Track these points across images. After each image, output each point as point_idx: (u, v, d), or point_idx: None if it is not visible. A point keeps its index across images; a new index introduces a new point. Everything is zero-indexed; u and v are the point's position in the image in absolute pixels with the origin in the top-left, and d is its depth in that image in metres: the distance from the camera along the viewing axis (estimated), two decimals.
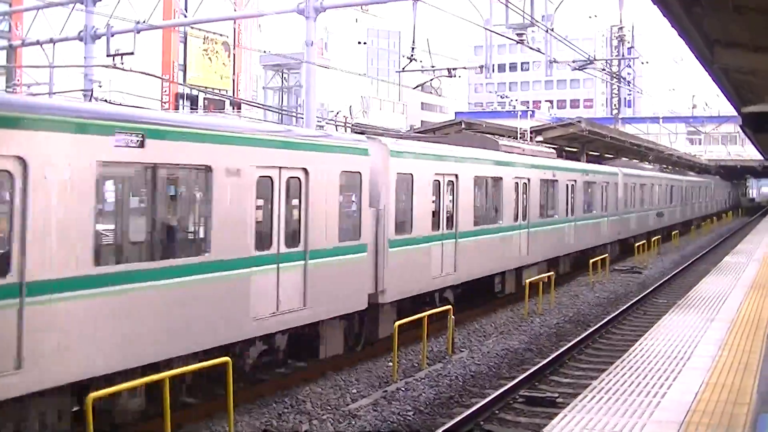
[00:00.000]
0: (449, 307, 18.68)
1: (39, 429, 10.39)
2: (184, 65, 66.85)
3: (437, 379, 15.86)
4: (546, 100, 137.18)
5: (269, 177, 14.06)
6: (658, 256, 41.18)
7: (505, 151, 25.43)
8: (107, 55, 28.33)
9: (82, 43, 30.68)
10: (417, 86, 51.08)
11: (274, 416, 13.53)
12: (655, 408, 9.41)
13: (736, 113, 27.69)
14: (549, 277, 26.16)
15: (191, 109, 60.93)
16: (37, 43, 33.24)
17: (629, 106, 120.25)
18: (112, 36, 29.51)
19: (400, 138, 23.99)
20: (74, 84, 32.94)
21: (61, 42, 32.46)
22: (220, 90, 65.77)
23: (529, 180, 25.95)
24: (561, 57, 45.44)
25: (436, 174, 19.84)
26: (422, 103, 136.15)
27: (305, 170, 14.85)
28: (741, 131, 51.03)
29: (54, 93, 32.89)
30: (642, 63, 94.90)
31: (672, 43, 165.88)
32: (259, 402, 14.19)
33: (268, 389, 14.86)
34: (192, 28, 62.69)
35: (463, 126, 39.68)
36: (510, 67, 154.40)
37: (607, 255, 33.32)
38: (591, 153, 46.58)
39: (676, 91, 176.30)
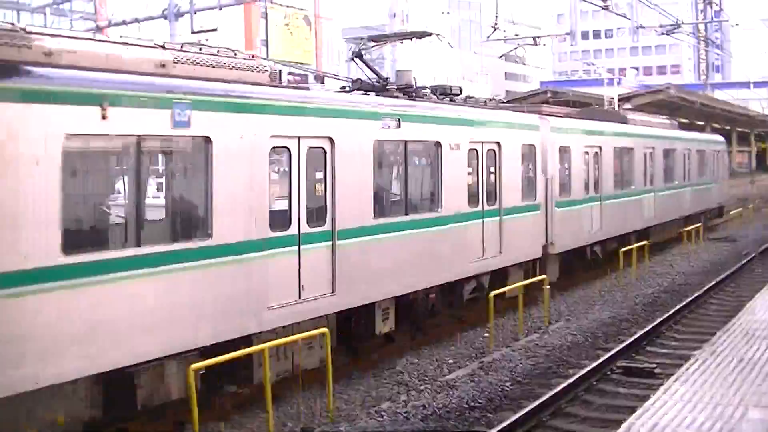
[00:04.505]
0: (544, 276, 18.53)
1: None
2: (267, 40, 67.27)
3: (534, 350, 15.78)
4: (632, 67, 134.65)
5: None
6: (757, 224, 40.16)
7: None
8: (191, 33, 28.74)
9: (167, 21, 31.18)
10: (501, 56, 50.75)
11: (372, 387, 13.64)
12: (764, 381, 9.22)
13: None
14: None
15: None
16: (123, 23, 33.89)
17: (718, 72, 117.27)
18: (195, 13, 29.93)
19: None
20: None
21: (146, 21, 33.08)
22: (303, 64, 66.04)
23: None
24: (646, 22, 44.59)
25: None
26: (506, 72, 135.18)
27: None
28: None
29: None
30: (731, 26, 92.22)
31: (763, 3, 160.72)
32: (355, 374, 14.32)
33: (364, 363, 14.91)
34: (272, 3, 63.05)
35: (549, 95, 39.22)
36: (594, 35, 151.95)
37: (700, 225, 32.20)
38: (681, 120, 45.63)
39: None
